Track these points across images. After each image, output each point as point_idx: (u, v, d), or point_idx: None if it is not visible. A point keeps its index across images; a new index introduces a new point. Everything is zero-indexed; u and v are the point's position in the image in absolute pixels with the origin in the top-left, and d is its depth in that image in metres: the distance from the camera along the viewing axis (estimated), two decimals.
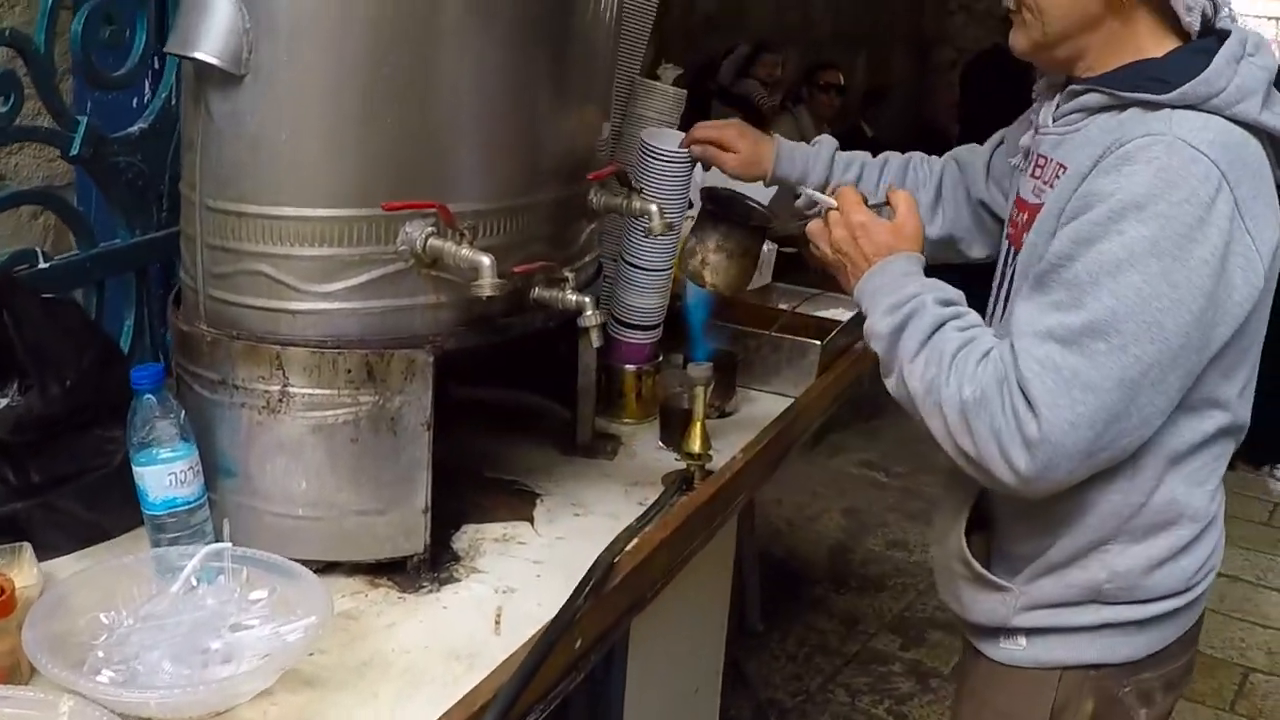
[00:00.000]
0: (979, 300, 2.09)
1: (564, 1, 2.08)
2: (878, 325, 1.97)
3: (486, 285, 1.82)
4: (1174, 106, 1.81)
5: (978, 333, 1.89)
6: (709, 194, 2.36)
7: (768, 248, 3.21)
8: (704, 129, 2.56)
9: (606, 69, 2.31)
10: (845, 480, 6.40)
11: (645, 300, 2.64)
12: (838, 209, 2.08)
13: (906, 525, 5.92)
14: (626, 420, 2.73)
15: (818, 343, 2.92)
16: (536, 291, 2.09)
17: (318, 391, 1.94)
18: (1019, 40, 2.00)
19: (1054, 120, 2.01)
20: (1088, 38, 1.92)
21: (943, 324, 1.89)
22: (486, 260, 1.83)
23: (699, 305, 2.49)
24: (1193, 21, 1.88)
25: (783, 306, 3.29)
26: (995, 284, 2.17)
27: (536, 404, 2.71)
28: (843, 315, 3.22)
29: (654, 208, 2.25)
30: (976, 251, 2.53)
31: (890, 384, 1.97)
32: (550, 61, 2.08)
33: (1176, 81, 1.81)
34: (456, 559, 2.13)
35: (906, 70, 11.60)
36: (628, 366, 2.71)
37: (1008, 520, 2.09)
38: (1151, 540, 1.96)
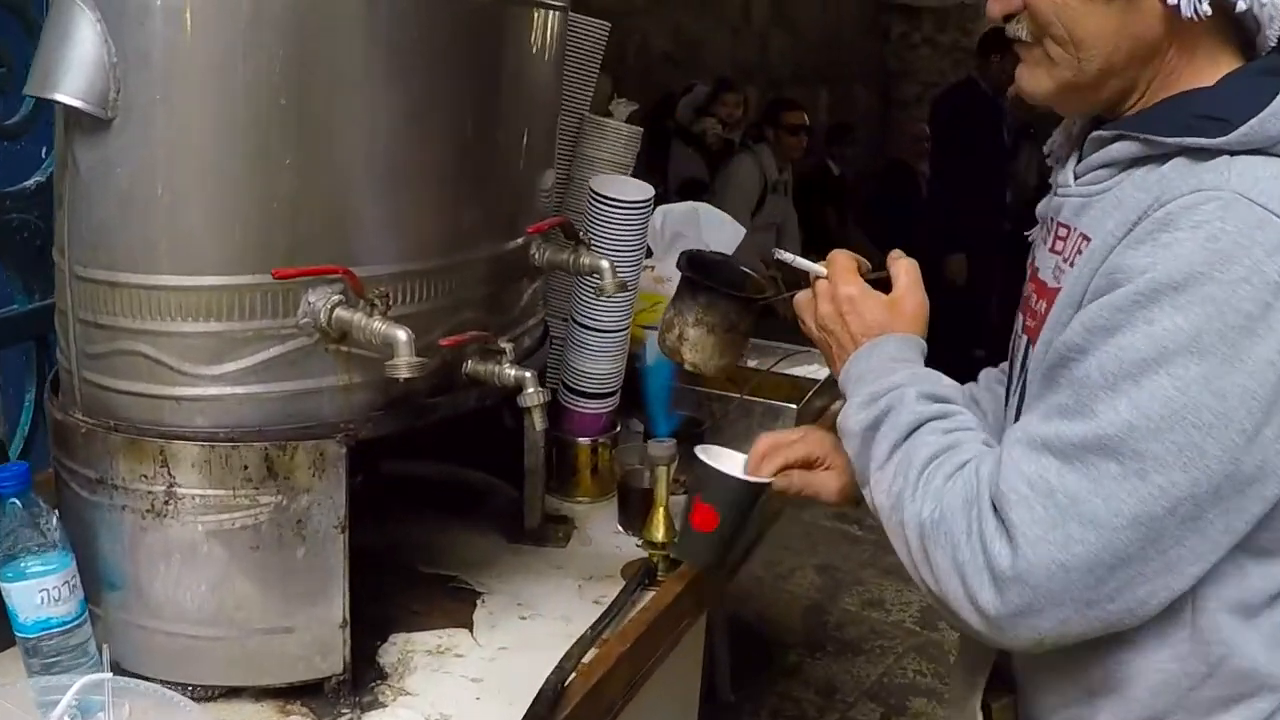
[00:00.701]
0: None
1: (493, 33, 1.81)
2: (849, 420, 1.61)
3: (402, 365, 1.53)
4: (1234, 152, 1.36)
5: (962, 438, 1.52)
6: (691, 259, 2.00)
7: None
8: (777, 448, 1.92)
9: (548, 107, 2.02)
10: (818, 534, 6.14)
11: (599, 365, 2.36)
12: (826, 278, 1.75)
13: (883, 582, 5.64)
14: (580, 499, 2.45)
15: (793, 406, 2.65)
16: (469, 366, 1.82)
17: (210, 492, 1.65)
18: (1039, 81, 1.54)
19: (1076, 178, 1.57)
20: (1138, 71, 1.48)
21: (922, 424, 1.53)
22: (402, 335, 1.54)
23: (659, 370, 2.20)
24: (1270, 37, 1.47)
25: (754, 364, 3.01)
26: (1006, 390, 1.75)
27: (480, 481, 2.45)
28: (820, 373, 2.96)
29: (605, 264, 1.96)
30: None
31: (865, 496, 1.60)
32: (478, 100, 1.79)
33: (1237, 118, 1.36)
34: (383, 677, 1.85)
35: (870, 105, 11.45)
36: (580, 439, 2.43)
37: (1035, 684, 1.64)
38: (1221, 718, 1.48)
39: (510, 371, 1.79)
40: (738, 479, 1.87)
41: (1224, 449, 1.29)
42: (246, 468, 1.64)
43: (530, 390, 1.77)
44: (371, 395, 1.73)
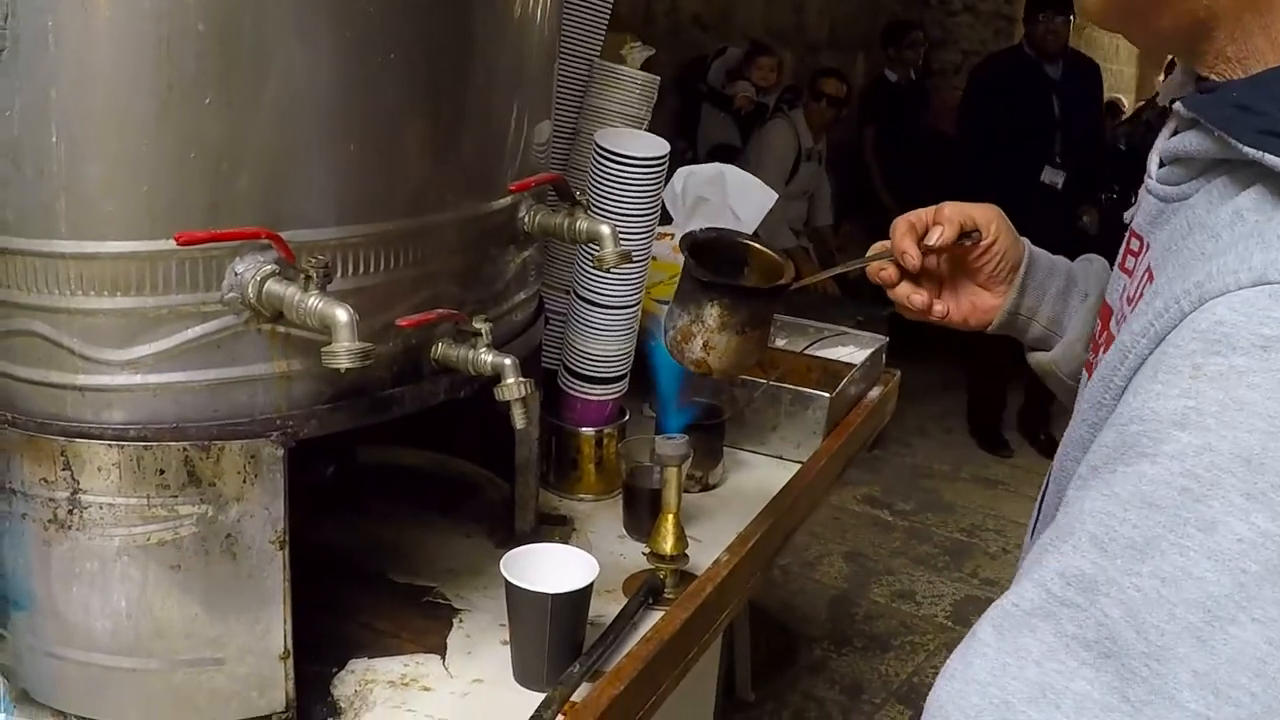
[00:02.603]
0: None
1: None
2: None
3: (341, 353, 1.24)
4: None
5: None
6: (694, 246, 1.67)
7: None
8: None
9: (542, 46, 1.72)
10: (847, 519, 5.86)
11: (605, 346, 2.06)
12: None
13: (914, 572, 5.40)
14: (583, 496, 2.17)
15: (826, 395, 2.35)
16: (439, 350, 1.53)
17: (120, 500, 1.37)
18: None
19: (1158, 165, 1.09)
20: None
21: None
22: (342, 315, 1.25)
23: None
24: None
25: (782, 345, 2.72)
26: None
27: (471, 474, 2.16)
28: (856, 356, 2.67)
29: (605, 229, 1.66)
30: None
31: None
32: (450, 30, 1.48)
33: None
34: (336, 714, 1.56)
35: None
36: (583, 429, 2.15)
37: None
38: None
39: (487, 357, 1.51)
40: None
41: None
42: (163, 472, 1.36)
43: (510, 380, 1.48)
44: (316, 385, 1.44)
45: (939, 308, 1.55)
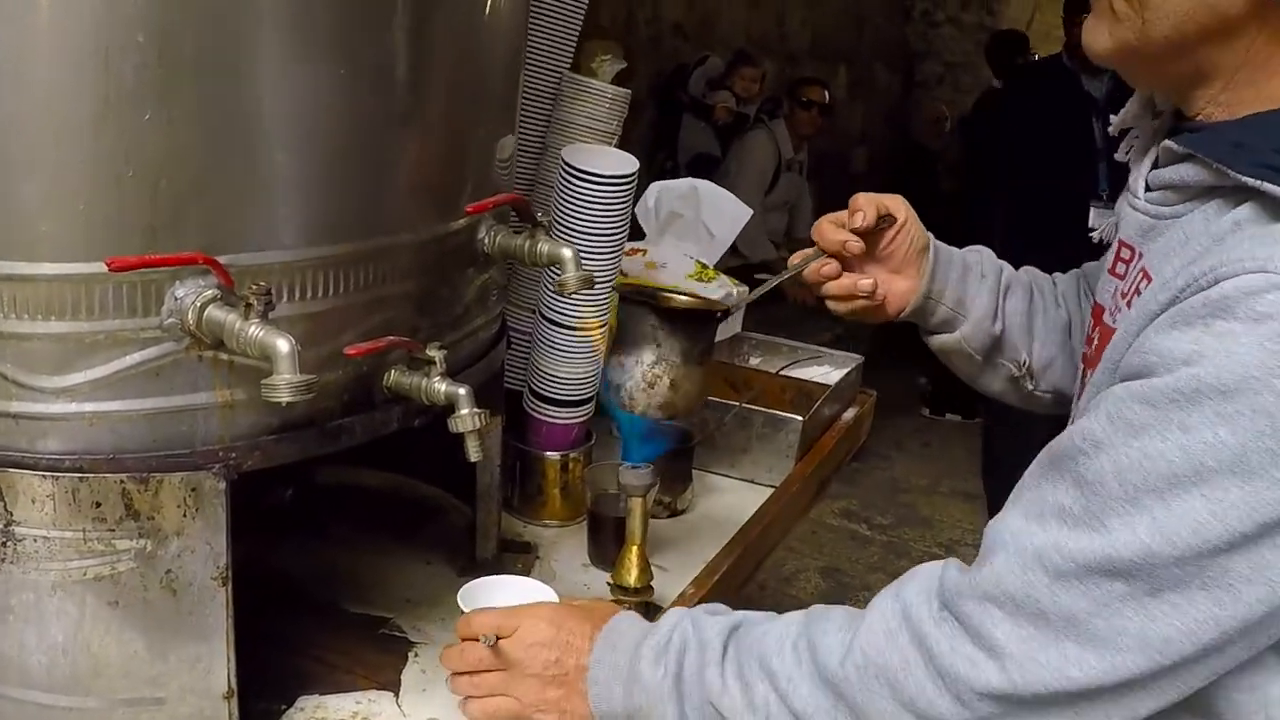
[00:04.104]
0: None
1: None
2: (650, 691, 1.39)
3: (281, 385, 1.17)
4: None
5: (796, 618, 1.37)
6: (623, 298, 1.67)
7: (734, 291, 2.58)
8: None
9: (505, 58, 1.66)
10: (824, 533, 5.82)
11: (570, 368, 2.00)
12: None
13: None
14: (548, 522, 2.11)
15: (798, 418, 2.29)
16: (391, 378, 1.47)
17: (55, 534, 1.31)
18: (1099, 36, 1.30)
19: (1145, 188, 1.34)
20: (1214, 53, 1.23)
21: (731, 631, 1.37)
22: (283, 345, 1.19)
23: None
24: None
25: (756, 365, 2.67)
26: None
27: (434, 498, 2.09)
28: (831, 376, 2.62)
29: (567, 252, 1.59)
30: None
31: None
32: (402, 41, 1.41)
33: None
34: None
35: (890, 85, 11.10)
36: (549, 453, 2.08)
37: None
38: None
39: (440, 386, 1.45)
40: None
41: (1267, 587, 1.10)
42: (99, 505, 1.30)
43: (464, 411, 1.42)
44: (260, 415, 1.37)
45: (866, 284, 1.69)
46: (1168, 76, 1.30)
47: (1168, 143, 1.28)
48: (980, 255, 1.79)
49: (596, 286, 1.87)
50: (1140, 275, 1.28)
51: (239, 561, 1.38)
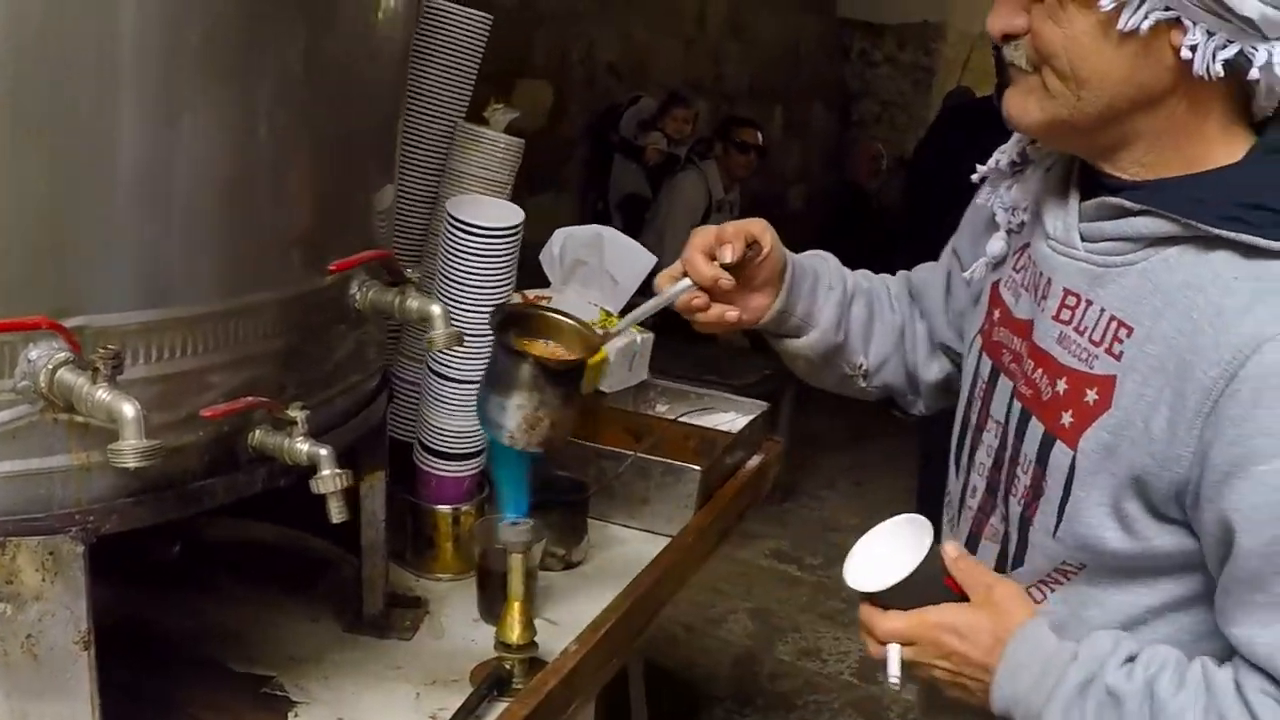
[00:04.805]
0: None
1: (304, 11, 1.43)
2: None
3: (127, 451, 1.16)
4: None
5: (1197, 673, 1.37)
6: (504, 322, 1.68)
7: (639, 338, 2.58)
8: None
9: (383, 109, 1.65)
10: (754, 574, 5.79)
11: (459, 421, 1.99)
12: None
13: (820, 628, 5.30)
14: (439, 576, 2.09)
15: (696, 468, 2.29)
16: (255, 438, 1.45)
17: None
18: (1028, 111, 1.42)
19: (1083, 239, 1.46)
20: (1140, 120, 1.36)
21: (1148, 689, 1.37)
22: (129, 410, 1.18)
23: None
24: (1268, 107, 1.37)
25: (661, 412, 2.66)
26: (995, 477, 1.61)
27: (323, 550, 2.08)
28: (736, 423, 2.61)
29: (436, 309, 1.58)
30: (918, 409, 1.97)
31: None
32: (266, 90, 1.40)
33: None
34: None
35: (827, 124, 11.14)
36: (440, 507, 2.07)
37: None
38: None
39: (302, 447, 1.43)
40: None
41: None
42: None
43: (325, 472, 1.41)
44: (118, 478, 1.35)
45: (732, 316, 1.72)
46: (1095, 144, 1.42)
47: (1114, 200, 1.39)
48: (827, 264, 1.87)
49: (484, 338, 1.87)
50: (1112, 324, 1.39)
51: (121, 619, 1.36)
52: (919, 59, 11.10)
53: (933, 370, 1.90)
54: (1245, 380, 1.26)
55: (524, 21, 6.50)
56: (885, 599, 1.50)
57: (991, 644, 1.45)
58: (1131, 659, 1.40)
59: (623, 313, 2.49)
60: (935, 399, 1.93)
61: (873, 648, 1.53)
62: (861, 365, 1.87)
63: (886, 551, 1.54)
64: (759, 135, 7.40)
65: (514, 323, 1.69)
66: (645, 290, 2.98)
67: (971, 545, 1.64)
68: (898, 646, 1.48)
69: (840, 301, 1.84)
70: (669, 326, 2.17)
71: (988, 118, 1.83)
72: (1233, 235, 1.30)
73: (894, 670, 1.48)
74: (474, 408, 1.96)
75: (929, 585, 1.50)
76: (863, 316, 1.87)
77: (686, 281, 1.67)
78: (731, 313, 1.71)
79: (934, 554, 1.50)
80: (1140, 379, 1.35)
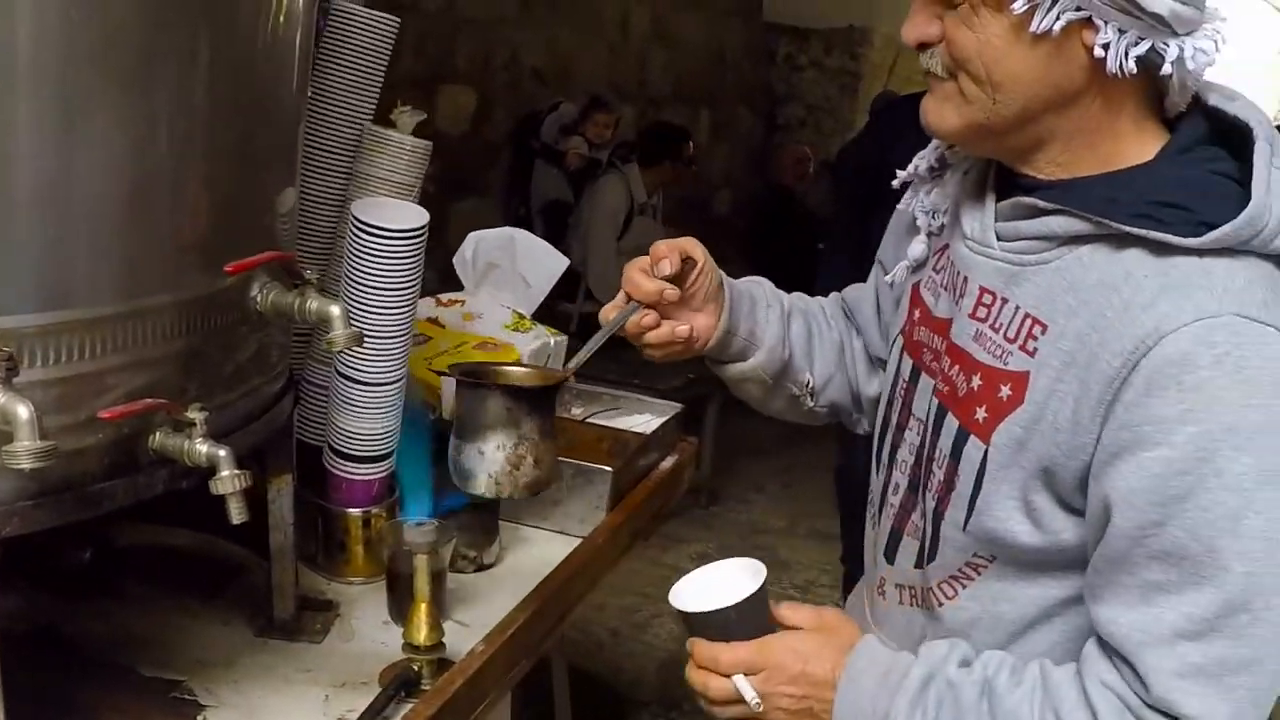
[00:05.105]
0: None
1: (204, 17, 1.43)
2: None
3: (21, 453, 1.17)
4: (1201, 252, 1.33)
5: (1034, 672, 1.44)
6: (465, 375, 1.72)
7: (553, 341, 2.59)
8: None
9: (286, 111, 1.66)
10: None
11: (368, 424, 1.99)
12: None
13: None
14: (351, 579, 2.09)
15: (608, 469, 2.30)
16: (156, 440, 1.45)
17: None
18: (946, 118, 1.46)
19: (998, 238, 1.49)
20: (1054, 121, 1.40)
21: (984, 686, 1.44)
22: (23, 412, 1.18)
23: (416, 433, 1.85)
24: (1181, 102, 1.42)
25: (576, 414, 2.68)
26: (917, 474, 1.65)
27: (235, 555, 2.07)
28: (650, 425, 2.62)
29: (335, 310, 1.58)
30: (863, 427, 1.99)
31: None
32: (161, 91, 1.39)
33: (1211, 217, 1.32)
34: None
35: (753, 128, 11.21)
36: (350, 510, 2.06)
37: None
38: None
39: (202, 448, 1.43)
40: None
41: None
42: None
43: (224, 473, 1.41)
44: (19, 481, 1.33)
45: (684, 330, 1.75)
46: (1011, 146, 1.45)
47: (1028, 200, 1.43)
48: (762, 286, 1.90)
49: (390, 340, 1.88)
50: (1027, 321, 1.43)
51: (31, 625, 1.35)
52: (845, 63, 11.19)
53: (873, 385, 1.92)
54: (1142, 370, 1.29)
55: (448, 26, 6.51)
56: (722, 629, 1.54)
57: (833, 661, 1.50)
58: (967, 662, 1.47)
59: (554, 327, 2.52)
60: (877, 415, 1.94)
61: (713, 683, 1.55)
62: (809, 383, 1.89)
63: (718, 586, 1.59)
64: (690, 146, 7.42)
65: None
66: (559, 293, 3.02)
67: (893, 542, 1.68)
68: (743, 677, 1.51)
69: (781, 318, 1.86)
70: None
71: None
72: (1144, 233, 1.33)
73: (751, 693, 1.50)
74: (382, 410, 1.97)
75: (763, 617, 1.55)
76: (803, 334, 1.89)
77: (633, 305, 1.69)
78: (682, 327, 1.74)
79: (764, 590, 1.55)
80: (1053, 375, 1.39)
